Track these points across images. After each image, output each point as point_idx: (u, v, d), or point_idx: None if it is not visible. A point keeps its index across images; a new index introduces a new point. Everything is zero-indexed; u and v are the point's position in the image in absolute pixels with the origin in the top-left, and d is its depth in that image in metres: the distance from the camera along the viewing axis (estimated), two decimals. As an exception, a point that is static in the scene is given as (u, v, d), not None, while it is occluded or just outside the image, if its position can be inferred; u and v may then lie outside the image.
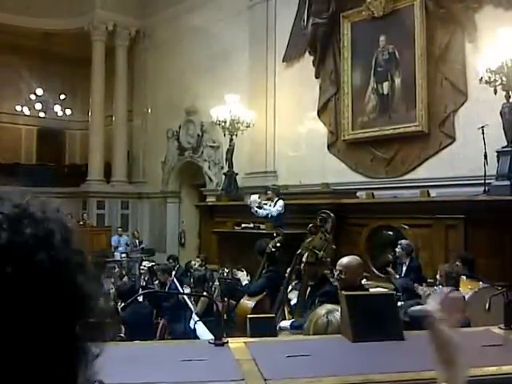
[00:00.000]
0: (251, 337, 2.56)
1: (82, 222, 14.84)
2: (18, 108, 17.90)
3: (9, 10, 15.02)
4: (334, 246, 4.67)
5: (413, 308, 3.92)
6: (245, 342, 2.23)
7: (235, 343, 2.21)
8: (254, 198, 9.01)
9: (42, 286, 0.63)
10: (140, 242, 14.47)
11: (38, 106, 17.84)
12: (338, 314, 2.43)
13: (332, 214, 4.65)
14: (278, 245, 6.13)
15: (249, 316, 3.02)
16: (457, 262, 6.07)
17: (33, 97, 17.74)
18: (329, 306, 2.61)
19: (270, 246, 6.13)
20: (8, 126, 18.15)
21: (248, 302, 5.84)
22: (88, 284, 0.69)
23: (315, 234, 4.70)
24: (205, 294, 6.85)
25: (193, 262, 9.46)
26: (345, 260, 4.17)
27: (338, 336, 2.28)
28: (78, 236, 0.72)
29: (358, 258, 4.34)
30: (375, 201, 9.03)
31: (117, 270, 10.09)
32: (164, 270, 7.85)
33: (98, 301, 0.71)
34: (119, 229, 14.79)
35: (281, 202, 8.85)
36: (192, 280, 7.46)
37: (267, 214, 8.73)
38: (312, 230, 4.85)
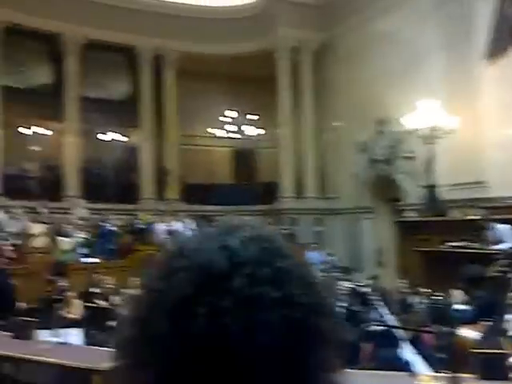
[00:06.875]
0: (483, 377, 2.03)
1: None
2: (212, 130, 18.91)
3: (193, 39, 16.28)
4: None
5: None
6: None
7: None
8: None
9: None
10: (334, 261, 14.04)
11: (230, 127, 18.65)
12: None
13: None
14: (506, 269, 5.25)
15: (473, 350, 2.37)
16: None
17: (224, 119, 18.60)
18: None
19: (493, 269, 5.27)
20: (203, 148, 19.20)
21: (471, 334, 4.95)
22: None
23: None
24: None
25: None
26: None
27: None
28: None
29: None
30: None
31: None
32: None
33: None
34: (314, 245, 14.53)
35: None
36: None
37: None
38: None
